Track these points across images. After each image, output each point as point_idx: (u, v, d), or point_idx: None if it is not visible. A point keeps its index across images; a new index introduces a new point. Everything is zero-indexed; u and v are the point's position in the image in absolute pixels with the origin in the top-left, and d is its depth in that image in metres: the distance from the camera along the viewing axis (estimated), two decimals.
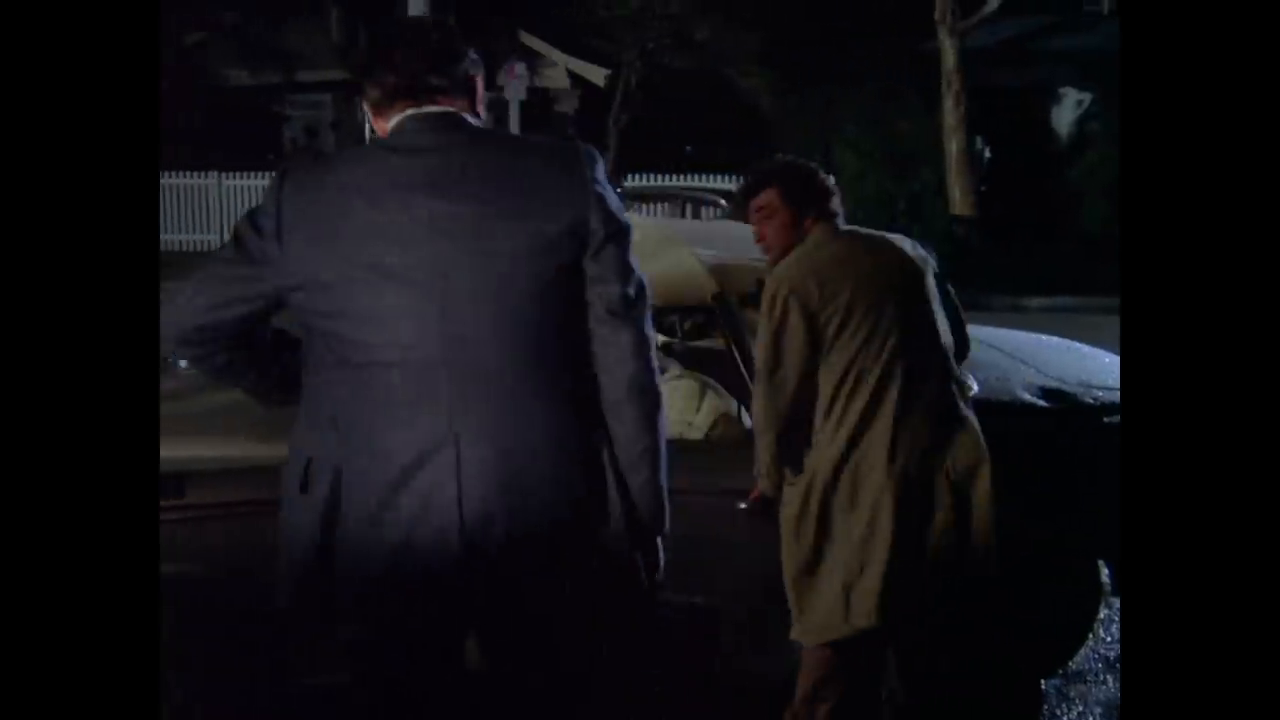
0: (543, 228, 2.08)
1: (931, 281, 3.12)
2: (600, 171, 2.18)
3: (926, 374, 2.98)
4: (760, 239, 3.15)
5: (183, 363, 4.21)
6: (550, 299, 2.10)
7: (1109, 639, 4.16)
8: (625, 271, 2.14)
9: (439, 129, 2.15)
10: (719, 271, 3.38)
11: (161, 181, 17.07)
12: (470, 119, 2.21)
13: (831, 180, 3.22)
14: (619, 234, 2.14)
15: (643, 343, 2.15)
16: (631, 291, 2.14)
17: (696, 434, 3.44)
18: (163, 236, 17.13)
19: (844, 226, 3.15)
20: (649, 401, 2.16)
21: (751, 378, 3.20)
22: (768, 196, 3.13)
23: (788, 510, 3.00)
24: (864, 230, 3.20)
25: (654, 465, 2.17)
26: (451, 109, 2.17)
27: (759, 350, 3.02)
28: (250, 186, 17.23)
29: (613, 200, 2.16)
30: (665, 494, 2.19)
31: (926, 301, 3.07)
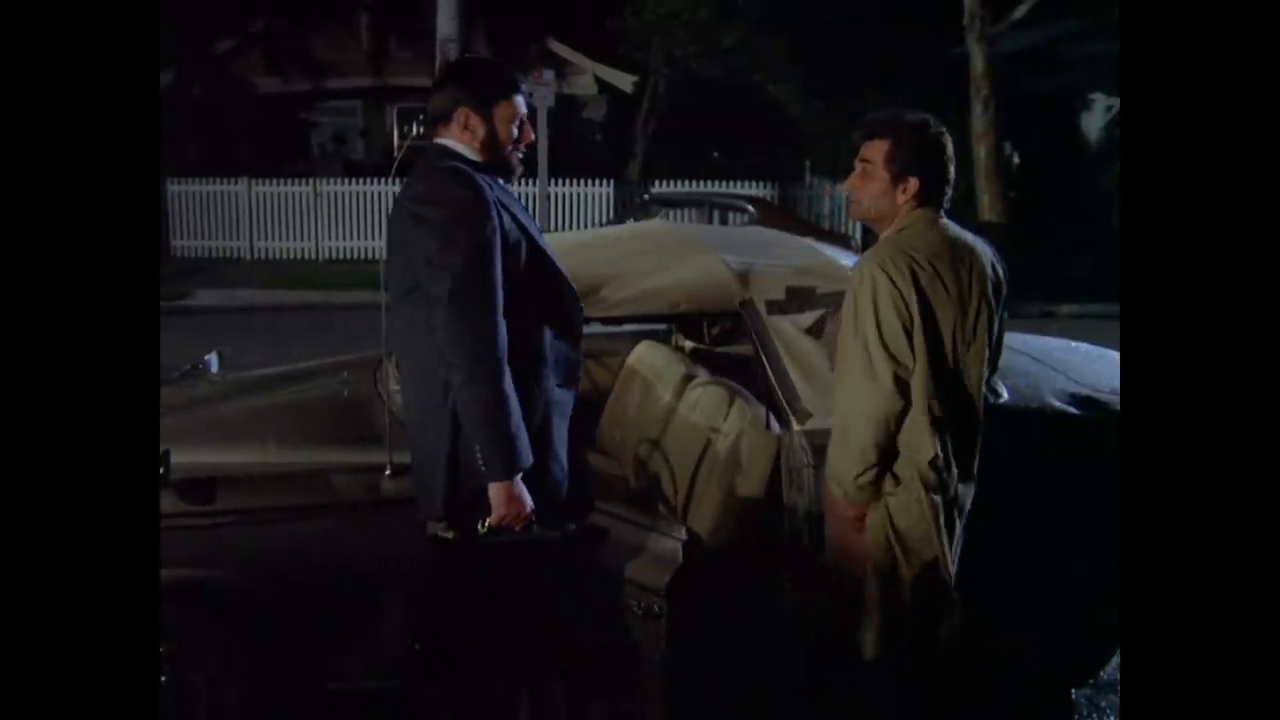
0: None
1: (1001, 301, 2.95)
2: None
3: (975, 387, 2.87)
4: (852, 188, 2.88)
5: (215, 368, 4.24)
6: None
7: None
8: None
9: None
10: (747, 277, 3.36)
11: (191, 188, 17.17)
12: (454, 146, 2.80)
13: (951, 163, 2.87)
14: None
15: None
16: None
17: (724, 441, 3.42)
18: (192, 243, 17.25)
19: (943, 219, 2.88)
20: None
21: (780, 385, 3.18)
22: (874, 149, 2.83)
23: (907, 525, 2.80)
24: (958, 228, 2.92)
25: (471, 427, 2.66)
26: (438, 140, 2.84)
27: (849, 350, 2.76)
28: (280, 193, 17.30)
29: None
30: (480, 449, 2.65)
31: (992, 319, 2.91)
